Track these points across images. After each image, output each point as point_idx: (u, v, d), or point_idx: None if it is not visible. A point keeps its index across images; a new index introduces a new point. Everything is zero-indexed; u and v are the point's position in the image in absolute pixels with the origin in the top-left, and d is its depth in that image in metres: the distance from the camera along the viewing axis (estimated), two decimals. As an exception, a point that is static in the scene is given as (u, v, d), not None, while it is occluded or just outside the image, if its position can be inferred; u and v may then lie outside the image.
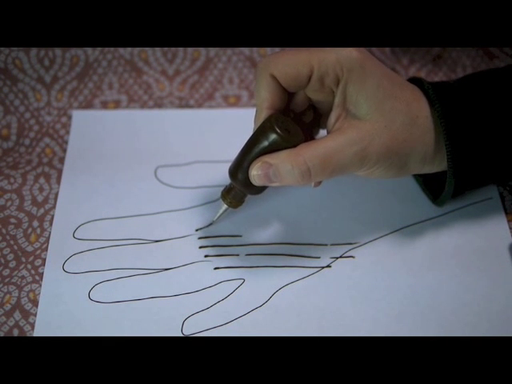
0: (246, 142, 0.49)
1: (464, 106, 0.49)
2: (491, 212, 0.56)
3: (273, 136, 0.47)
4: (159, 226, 0.55)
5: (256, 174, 0.47)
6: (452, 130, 0.48)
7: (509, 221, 0.55)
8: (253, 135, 0.48)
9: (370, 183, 0.58)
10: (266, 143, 0.47)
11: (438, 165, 0.50)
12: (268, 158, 0.47)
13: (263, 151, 0.47)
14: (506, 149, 0.50)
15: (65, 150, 0.60)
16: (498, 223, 0.55)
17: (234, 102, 0.64)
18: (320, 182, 0.50)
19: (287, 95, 0.48)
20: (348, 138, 0.46)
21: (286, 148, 0.47)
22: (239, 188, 0.50)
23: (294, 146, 0.47)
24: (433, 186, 0.55)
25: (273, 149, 0.47)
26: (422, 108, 0.48)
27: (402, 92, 0.48)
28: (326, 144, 0.46)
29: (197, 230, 0.55)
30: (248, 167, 0.48)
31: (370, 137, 0.46)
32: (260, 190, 0.50)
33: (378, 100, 0.46)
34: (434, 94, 0.48)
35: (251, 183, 0.48)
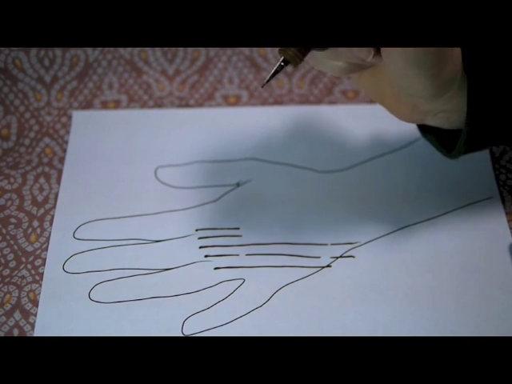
0: None
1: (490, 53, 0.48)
2: (491, 212, 0.56)
3: None
4: (159, 226, 0.55)
5: None
6: (473, 73, 0.47)
7: (509, 221, 0.55)
8: None
9: (370, 183, 0.58)
10: None
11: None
12: None
13: None
14: None
15: (65, 150, 0.60)
16: (498, 223, 0.55)
17: (234, 101, 0.64)
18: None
19: None
20: None
21: None
22: None
23: None
24: (445, 144, 0.53)
25: None
26: None
27: None
28: None
29: (197, 230, 0.55)
30: None
31: None
32: None
33: None
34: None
35: None
